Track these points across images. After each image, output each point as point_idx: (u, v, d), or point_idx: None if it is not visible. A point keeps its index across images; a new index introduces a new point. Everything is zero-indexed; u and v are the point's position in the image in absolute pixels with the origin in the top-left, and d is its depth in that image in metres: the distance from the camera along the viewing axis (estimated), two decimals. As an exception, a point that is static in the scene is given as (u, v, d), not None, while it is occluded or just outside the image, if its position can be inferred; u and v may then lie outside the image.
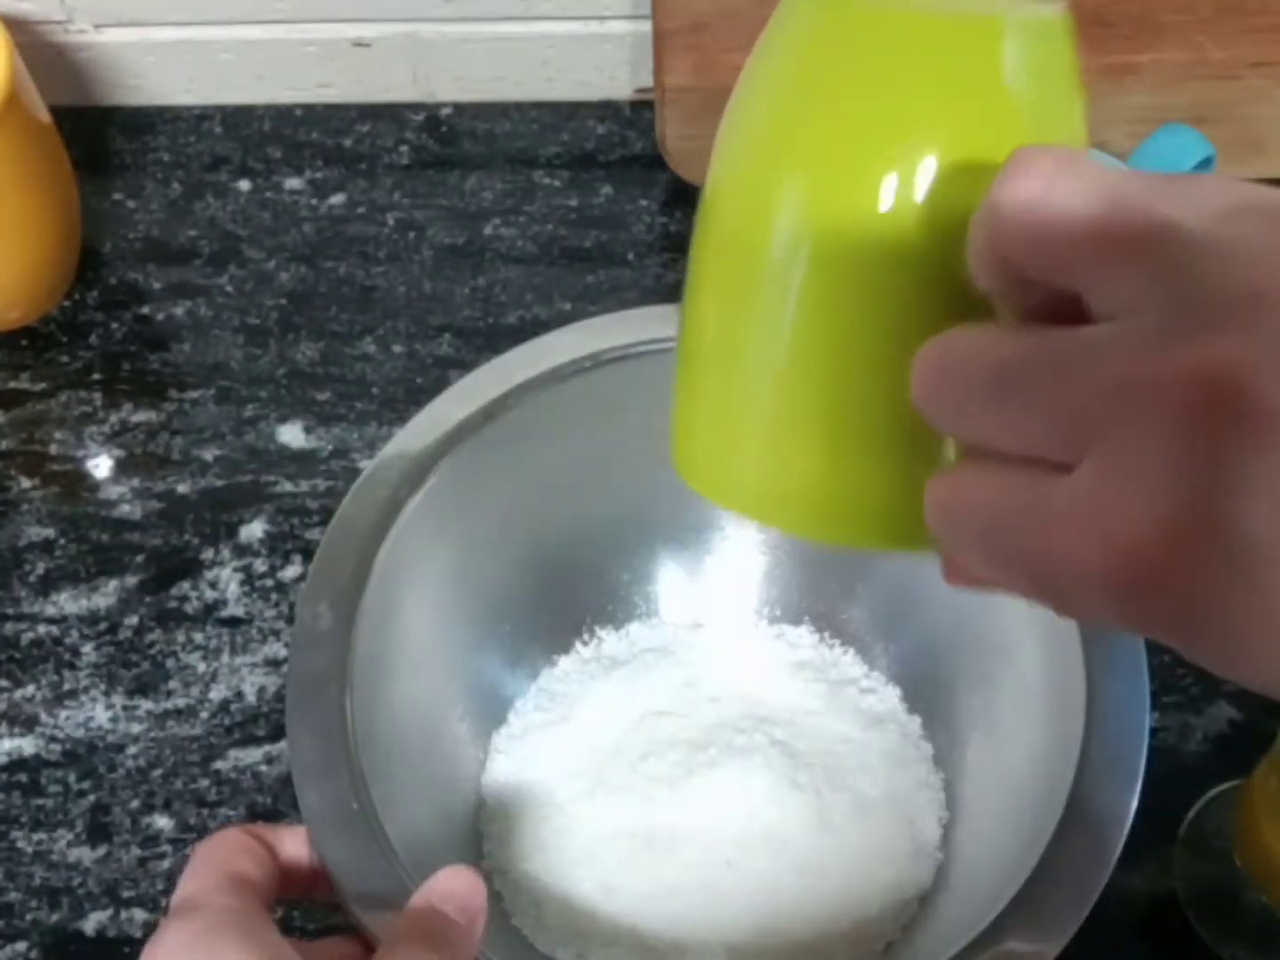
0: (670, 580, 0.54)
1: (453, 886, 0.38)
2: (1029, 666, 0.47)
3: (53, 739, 0.54)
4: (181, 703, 0.54)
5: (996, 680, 0.49)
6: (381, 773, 0.43)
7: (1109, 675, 0.43)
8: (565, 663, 0.53)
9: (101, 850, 0.52)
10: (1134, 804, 0.41)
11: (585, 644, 0.53)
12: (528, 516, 0.51)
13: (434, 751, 0.49)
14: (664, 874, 0.47)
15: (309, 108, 0.69)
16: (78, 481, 0.59)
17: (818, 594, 0.53)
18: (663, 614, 0.54)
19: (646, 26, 0.64)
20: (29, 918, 0.51)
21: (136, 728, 0.54)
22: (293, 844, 0.40)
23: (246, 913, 0.37)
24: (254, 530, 0.58)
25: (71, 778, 0.53)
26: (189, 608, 0.56)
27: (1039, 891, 0.40)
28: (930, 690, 0.51)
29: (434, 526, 0.48)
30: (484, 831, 0.49)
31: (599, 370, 0.49)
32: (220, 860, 0.38)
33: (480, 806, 0.50)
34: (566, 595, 0.53)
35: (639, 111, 0.69)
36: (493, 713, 0.51)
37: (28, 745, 0.54)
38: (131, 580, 0.57)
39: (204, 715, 0.54)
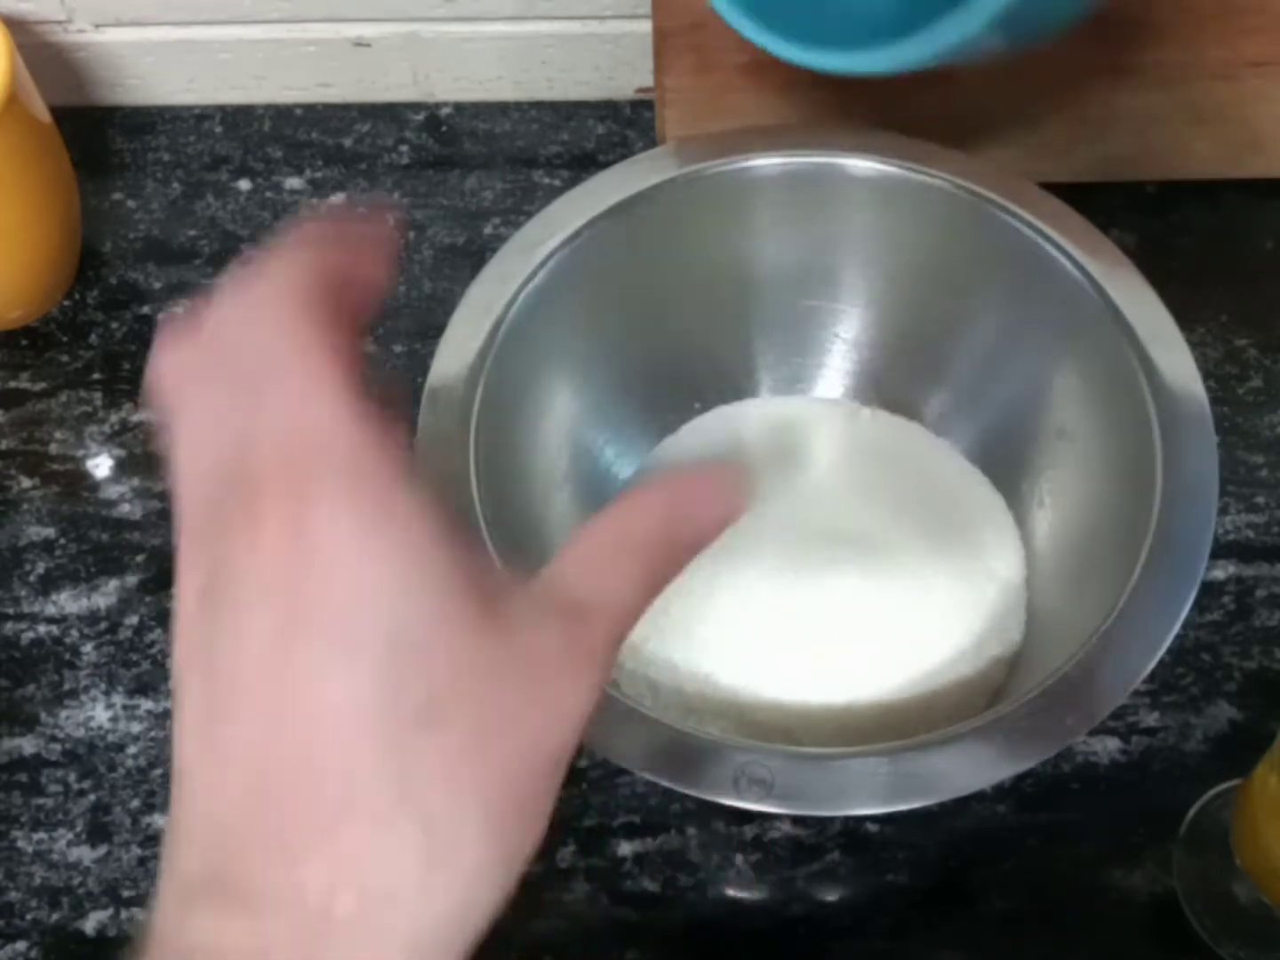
0: (754, 371, 0.57)
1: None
2: (1091, 446, 0.51)
3: (53, 739, 0.54)
4: (181, 702, 0.54)
5: (1059, 461, 0.52)
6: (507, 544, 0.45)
7: (1180, 452, 0.46)
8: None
9: (101, 850, 0.52)
10: (1204, 562, 0.44)
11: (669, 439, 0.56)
12: (626, 320, 0.54)
13: (545, 559, 0.51)
14: (771, 654, 0.49)
15: (309, 108, 0.69)
16: (78, 481, 0.59)
17: (898, 386, 0.57)
18: (742, 409, 0.57)
19: (646, 26, 0.64)
20: (29, 918, 0.51)
21: (137, 727, 0.54)
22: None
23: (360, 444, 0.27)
24: (254, 530, 0.58)
25: (71, 778, 0.53)
26: (189, 607, 0.56)
27: (1124, 626, 0.44)
28: (999, 474, 0.55)
29: (554, 303, 0.51)
30: None
31: (722, 175, 0.53)
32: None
33: None
34: (645, 400, 0.56)
35: (639, 111, 0.69)
36: (593, 504, 0.54)
37: (28, 745, 0.54)
38: (131, 580, 0.57)
39: (204, 715, 0.54)
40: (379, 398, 0.27)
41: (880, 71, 0.44)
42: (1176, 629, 0.43)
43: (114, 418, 0.61)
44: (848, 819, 0.51)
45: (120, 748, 0.54)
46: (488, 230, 0.65)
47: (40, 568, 0.57)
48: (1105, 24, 0.60)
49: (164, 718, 0.54)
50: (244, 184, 0.67)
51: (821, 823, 0.51)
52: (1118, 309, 0.49)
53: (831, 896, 0.50)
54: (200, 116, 0.69)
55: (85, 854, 0.52)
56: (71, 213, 0.62)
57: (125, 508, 0.59)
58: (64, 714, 0.54)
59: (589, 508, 0.54)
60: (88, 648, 0.55)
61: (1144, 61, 0.61)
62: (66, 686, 0.55)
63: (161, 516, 0.58)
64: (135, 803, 0.52)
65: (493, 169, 0.67)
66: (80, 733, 0.54)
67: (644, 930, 0.50)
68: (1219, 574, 0.56)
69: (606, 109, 0.69)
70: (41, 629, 0.56)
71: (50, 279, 0.63)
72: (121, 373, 0.62)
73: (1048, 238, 0.50)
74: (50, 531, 0.58)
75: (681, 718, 0.47)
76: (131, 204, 0.67)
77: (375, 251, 0.30)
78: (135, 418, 0.61)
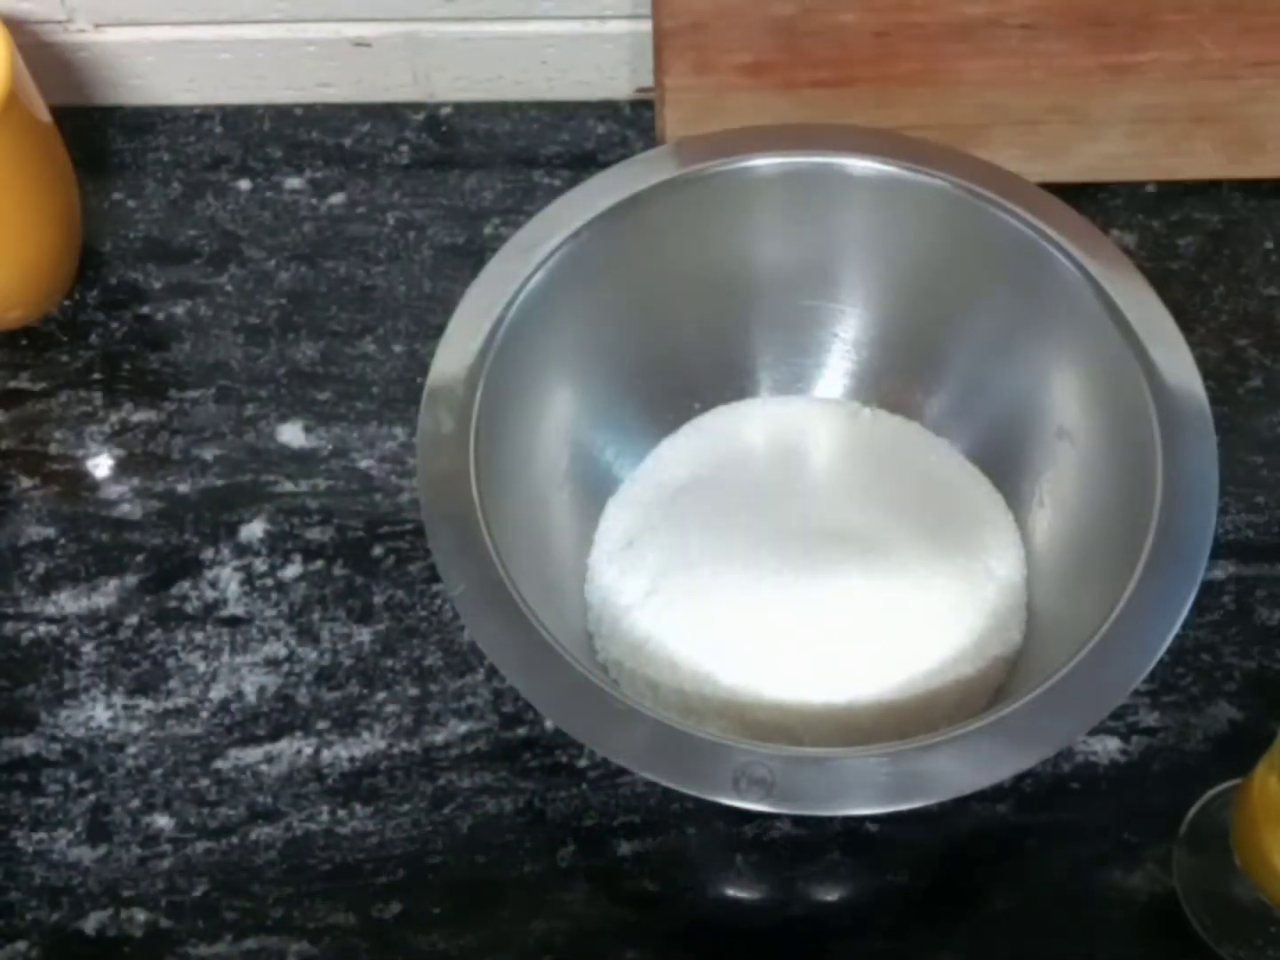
0: (754, 371, 0.57)
1: None
2: (1091, 446, 0.50)
3: (53, 739, 0.54)
4: (181, 702, 0.54)
5: (1059, 461, 0.52)
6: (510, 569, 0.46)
7: (1180, 452, 0.46)
8: (628, 491, 0.55)
9: (101, 850, 0.52)
10: (1204, 562, 0.44)
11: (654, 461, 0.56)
12: (626, 320, 0.54)
13: (544, 560, 0.52)
14: (771, 654, 0.49)
15: (309, 108, 0.69)
16: (78, 481, 0.59)
17: (898, 386, 0.57)
18: (742, 409, 0.57)
19: (646, 26, 0.64)
20: (29, 918, 0.51)
21: (136, 727, 0.54)
22: None
23: None
24: (254, 530, 0.58)
25: (71, 777, 0.53)
26: (189, 607, 0.56)
27: (1124, 626, 0.44)
28: (998, 474, 0.55)
29: (554, 303, 0.51)
30: (594, 631, 0.52)
31: (715, 179, 0.53)
32: None
33: (586, 610, 0.53)
34: (645, 400, 0.56)
35: (639, 111, 0.69)
36: (583, 530, 0.54)
37: (28, 745, 0.54)
38: (131, 580, 0.57)
39: (204, 715, 0.54)
40: None
41: None
42: (1176, 629, 0.43)
43: (114, 418, 0.61)
44: (848, 819, 0.51)
45: (120, 748, 0.54)
46: (488, 230, 0.65)
47: (40, 568, 0.57)
48: (1105, 24, 0.60)
49: (164, 717, 0.54)
50: (244, 184, 0.67)
51: (821, 823, 0.51)
52: (1118, 309, 0.49)
53: (831, 896, 0.51)
54: (200, 116, 0.69)
55: (85, 854, 0.52)
56: (71, 213, 0.62)
57: (125, 508, 0.59)
58: (64, 714, 0.54)
59: (589, 508, 0.54)
60: (88, 648, 0.55)
61: (1144, 61, 0.61)
62: (66, 686, 0.55)
63: (161, 516, 0.58)
64: (135, 803, 0.53)
65: (493, 169, 0.67)
66: (80, 733, 0.54)
67: (644, 930, 0.50)
68: (1219, 574, 0.56)
69: (606, 109, 0.69)
70: (41, 629, 0.56)
71: (50, 279, 0.63)
72: (121, 373, 0.62)
73: (1048, 238, 0.50)
74: (50, 531, 0.58)
75: (681, 718, 0.47)
76: (131, 204, 0.67)
77: None
78: (135, 418, 0.61)
